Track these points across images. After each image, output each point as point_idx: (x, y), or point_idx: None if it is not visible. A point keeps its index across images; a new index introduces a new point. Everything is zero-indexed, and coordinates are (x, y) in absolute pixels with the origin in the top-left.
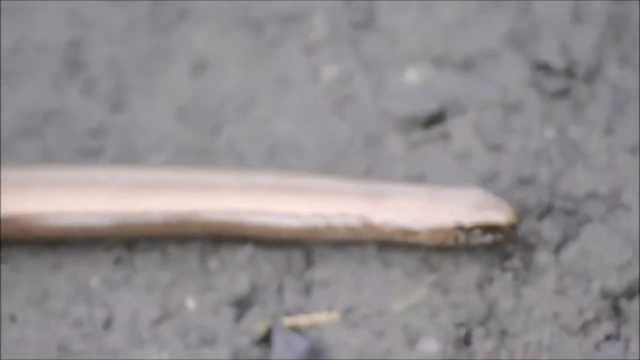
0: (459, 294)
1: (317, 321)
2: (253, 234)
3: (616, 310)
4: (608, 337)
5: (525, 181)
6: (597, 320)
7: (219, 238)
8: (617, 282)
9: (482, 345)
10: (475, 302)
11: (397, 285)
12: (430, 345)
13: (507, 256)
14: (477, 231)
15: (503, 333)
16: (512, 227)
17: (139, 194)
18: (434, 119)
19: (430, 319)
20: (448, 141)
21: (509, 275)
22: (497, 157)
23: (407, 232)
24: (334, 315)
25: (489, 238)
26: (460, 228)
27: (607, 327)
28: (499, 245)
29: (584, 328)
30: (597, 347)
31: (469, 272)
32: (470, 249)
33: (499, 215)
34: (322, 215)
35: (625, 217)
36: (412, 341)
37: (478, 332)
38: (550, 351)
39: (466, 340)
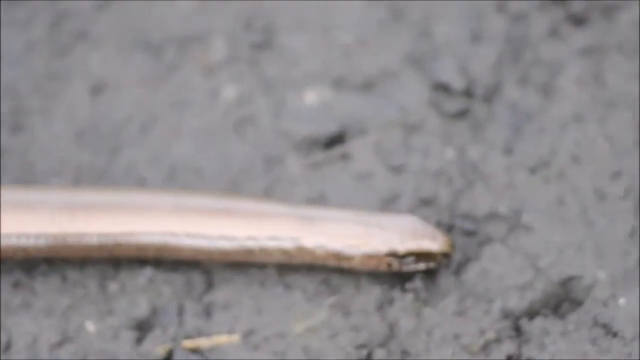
0: (359, 315)
1: (218, 343)
2: (188, 256)
3: (517, 331)
4: (509, 358)
5: (425, 202)
6: (498, 340)
7: (147, 260)
8: (517, 302)
9: None
10: (376, 324)
11: (298, 307)
12: None
13: (407, 277)
14: (411, 258)
15: (404, 354)
16: (446, 256)
17: (74, 215)
18: (334, 140)
19: (331, 340)
20: (348, 162)
21: (409, 297)
22: (398, 178)
23: (340, 257)
24: (235, 338)
25: (422, 266)
26: (394, 255)
27: (508, 347)
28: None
29: (485, 348)
30: None
31: (370, 293)
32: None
33: (433, 243)
34: (256, 238)
35: (525, 237)
36: None
37: (379, 353)
38: None
39: None
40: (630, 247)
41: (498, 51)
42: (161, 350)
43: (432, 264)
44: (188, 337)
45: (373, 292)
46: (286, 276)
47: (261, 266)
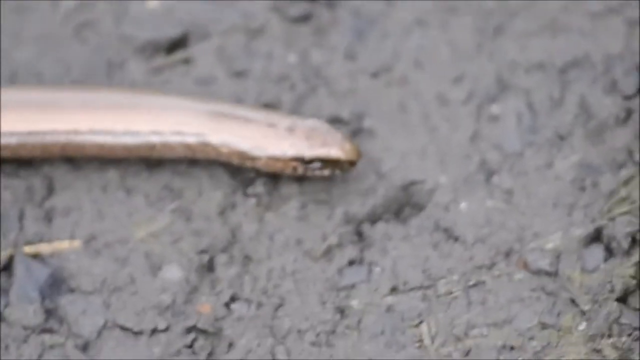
0: (201, 220)
1: (59, 249)
2: (91, 153)
3: (359, 235)
4: (351, 262)
5: (268, 106)
6: (340, 245)
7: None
8: (360, 208)
9: (225, 271)
10: (218, 229)
11: (140, 212)
12: (173, 272)
13: (250, 182)
14: (317, 164)
15: (246, 259)
16: (352, 164)
17: None
18: (176, 45)
19: (173, 246)
20: (191, 67)
21: (252, 202)
22: (240, 82)
23: (245, 156)
24: (76, 243)
25: (327, 172)
26: (300, 159)
27: (350, 252)
28: (244, 172)
29: (327, 253)
30: (340, 272)
31: (212, 198)
32: (307, 179)
33: (340, 150)
34: (160, 133)
35: (368, 142)
36: (155, 268)
37: (221, 259)
38: (293, 277)
39: (209, 267)
40: (472, 151)
41: None
42: (2, 256)
43: (337, 171)
44: (29, 242)
45: (215, 197)
46: (128, 181)
47: (103, 170)
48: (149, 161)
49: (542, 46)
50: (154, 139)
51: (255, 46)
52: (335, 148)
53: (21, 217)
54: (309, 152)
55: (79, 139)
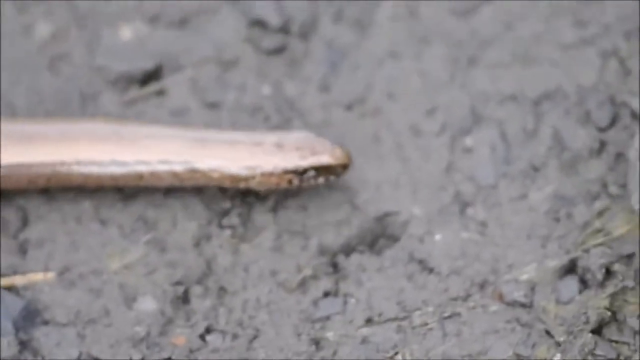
0: (176, 252)
1: (33, 281)
2: (78, 183)
3: (334, 267)
4: (326, 294)
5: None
6: (315, 277)
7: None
8: (334, 239)
9: (200, 303)
10: (192, 260)
11: (114, 244)
12: (147, 303)
13: (224, 213)
14: (311, 174)
15: (221, 290)
16: (344, 167)
17: None
18: (150, 76)
19: (147, 277)
20: (164, 98)
21: (226, 233)
22: (214, 114)
23: (237, 178)
24: (50, 275)
25: (322, 180)
26: (294, 171)
27: (325, 283)
28: (219, 203)
29: (302, 285)
30: (315, 303)
31: (186, 229)
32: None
33: (331, 156)
34: (146, 162)
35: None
36: (129, 300)
37: (196, 290)
38: (268, 308)
39: (184, 299)
40: (446, 182)
41: None
42: None
43: (331, 177)
44: (3, 275)
45: (190, 229)
46: (102, 212)
47: (75, 201)
48: (124, 192)
49: (515, 77)
50: (141, 169)
51: (228, 77)
52: (326, 155)
53: None
54: (301, 162)
55: (65, 170)
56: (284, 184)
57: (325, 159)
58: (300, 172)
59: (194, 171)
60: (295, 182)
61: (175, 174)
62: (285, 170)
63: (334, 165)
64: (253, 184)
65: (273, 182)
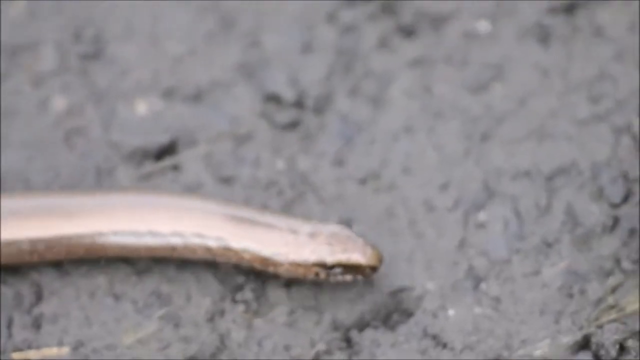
0: (190, 327)
1: (48, 355)
2: (114, 253)
3: (348, 342)
4: None
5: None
6: (328, 352)
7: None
8: (348, 314)
9: None
10: (206, 335)
11: (128, 319)
12: None
13: (238, 288)
14: (338, 270)
15: None
16: (373, 269)
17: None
18: (165, 151)
19: (161, 352)
20: (179, 173)
21: (240, 308)
22: (228, 189)
23: (267, 262)
24: (64, 350)
25: (349, 277)
26: (321, 265)
27: (338, 358)
28: (233, 278)
29: None
30: None
31: (200, 305)
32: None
33: (362, 256)
34: (181, 235)
35: None
36: None
37: None
38: None
39: None
40: (459, 258)
41: (328, 62)
42: None
43: (359, 277)
44: (17, 349)
45: (203, 304)
46: (116, 287)
47: (90, 277)
48: (138, 266)
49: (529, 152)
50: (176, 241)
51: (242, 152)
52: (357, 253)
53: (9, 324)
54: (330, 257)
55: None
56: (310, 276)
57: (354, 257)
58: (328, 267)
59: (227, 249)
60: (322, 275)
61: (208, 249)
62: (313, 263)
63: (362, 265)
64: (281, 270)
65: (300, 272)
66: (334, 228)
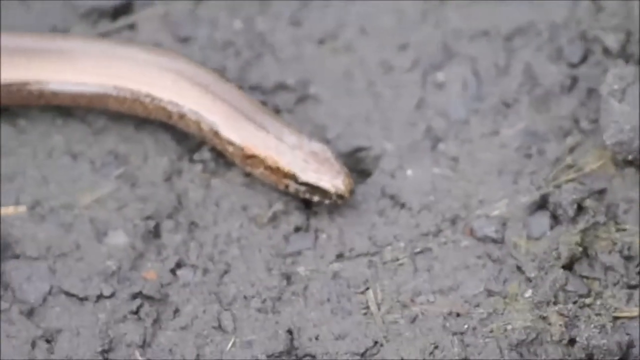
0: (147, 186)
1: (4, 215)
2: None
3: (305, 202)
4: (297, 229)
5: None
6: (286, 212)
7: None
8: None
9: (171, 237)
10: (163, 195)
11: (85, 178)
12: (118, 238)
13: (196, 148)
14: (307, 188)
15: (192, 225)
16: (341, 197)
17: None
18: (121, 11)
19: (118, 212)
20: (136, 33)
21: (198, 167)
22: (185, 49)
23: (246, 154)
24: (21, 209)
25: (316, 198)
26: (292, 178)
27: (296, 218)
28: (190, 139)
29: (274, 220)
30: (286, 238)
31: (158, 164)
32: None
33: (331, 182)
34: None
35: (313, 109)
36: (100, 235)
37: (167, 225)
38: (239, 243)
39: (155, 233)
40: (417, 118)
41: None
42: None
43: (326, 201)
44: None
45: (161, 163)
46: (73, 146)
47: (46, 135)
48: (95, 126)
49: (487, 13)
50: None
51: (200, 12)
52: (327, 178)
53: None
54: (302, 175)
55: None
56: (281, 186)
57: (323, 182)
58: (298, 183)
59: (216, 135)
60: (291, 189)
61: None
62: (285, 174)
63: (330, 192)
64: (256, 172)
65: (272, 180)
66: (316, 146)
